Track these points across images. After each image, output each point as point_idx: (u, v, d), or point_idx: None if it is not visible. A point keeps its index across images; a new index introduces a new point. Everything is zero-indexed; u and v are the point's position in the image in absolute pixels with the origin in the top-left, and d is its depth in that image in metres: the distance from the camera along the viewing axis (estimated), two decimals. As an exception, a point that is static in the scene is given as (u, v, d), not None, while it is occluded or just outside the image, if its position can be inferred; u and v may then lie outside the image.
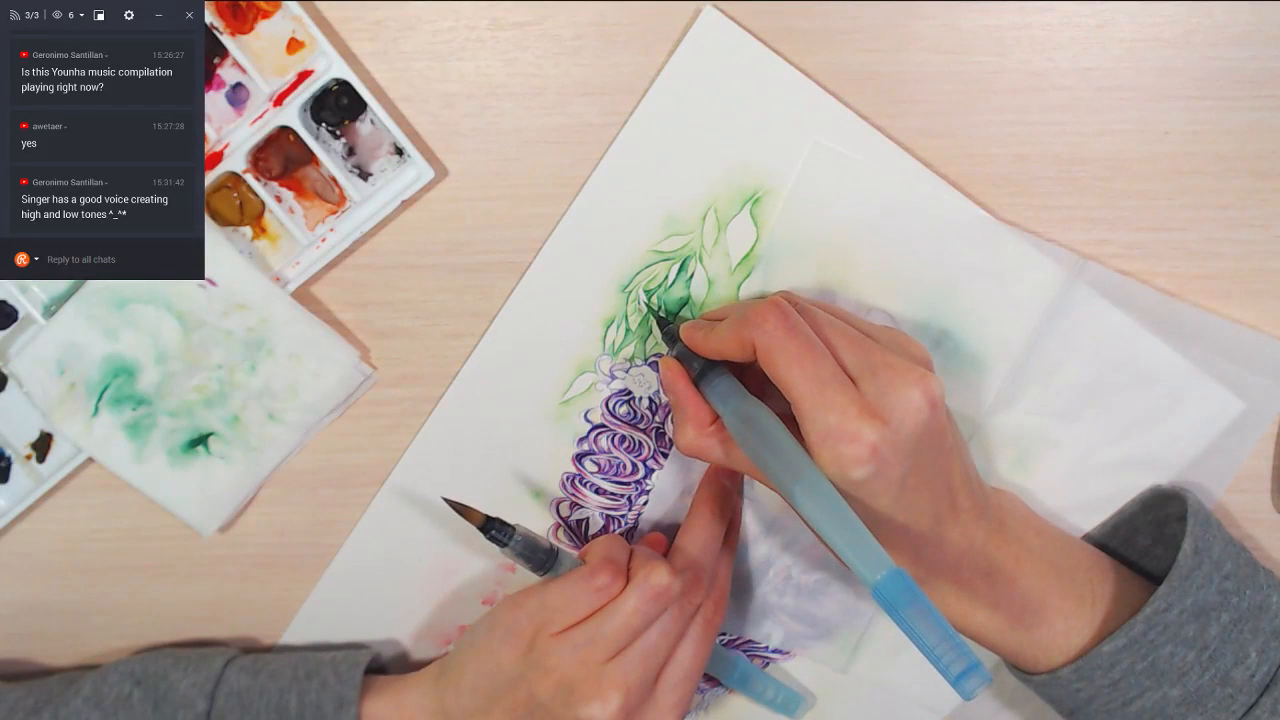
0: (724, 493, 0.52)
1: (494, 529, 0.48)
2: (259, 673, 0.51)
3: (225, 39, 0.49)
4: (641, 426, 0.54)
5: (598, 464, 0.54)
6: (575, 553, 0.51)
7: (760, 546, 0.55)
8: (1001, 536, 0.47)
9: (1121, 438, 0.52)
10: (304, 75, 0.49)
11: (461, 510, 0.48)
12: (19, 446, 0.53)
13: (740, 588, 0.55)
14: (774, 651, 0.57)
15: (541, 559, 0.49)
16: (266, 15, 0.49)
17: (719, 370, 0.48)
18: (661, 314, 0.52)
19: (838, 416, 0.41)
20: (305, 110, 0.50)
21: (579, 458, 0.54)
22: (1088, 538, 0.53)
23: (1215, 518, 0.49)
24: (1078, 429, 0.52)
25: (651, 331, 0.52)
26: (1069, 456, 0.53)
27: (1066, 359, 0.51)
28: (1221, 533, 0.49)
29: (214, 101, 0.50)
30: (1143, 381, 0.52)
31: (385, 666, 0.56)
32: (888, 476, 0.42)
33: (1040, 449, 0.53)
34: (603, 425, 0.54)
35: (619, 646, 0.47)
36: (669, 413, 0.53)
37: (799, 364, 0.43)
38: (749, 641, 0.56)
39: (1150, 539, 0.51)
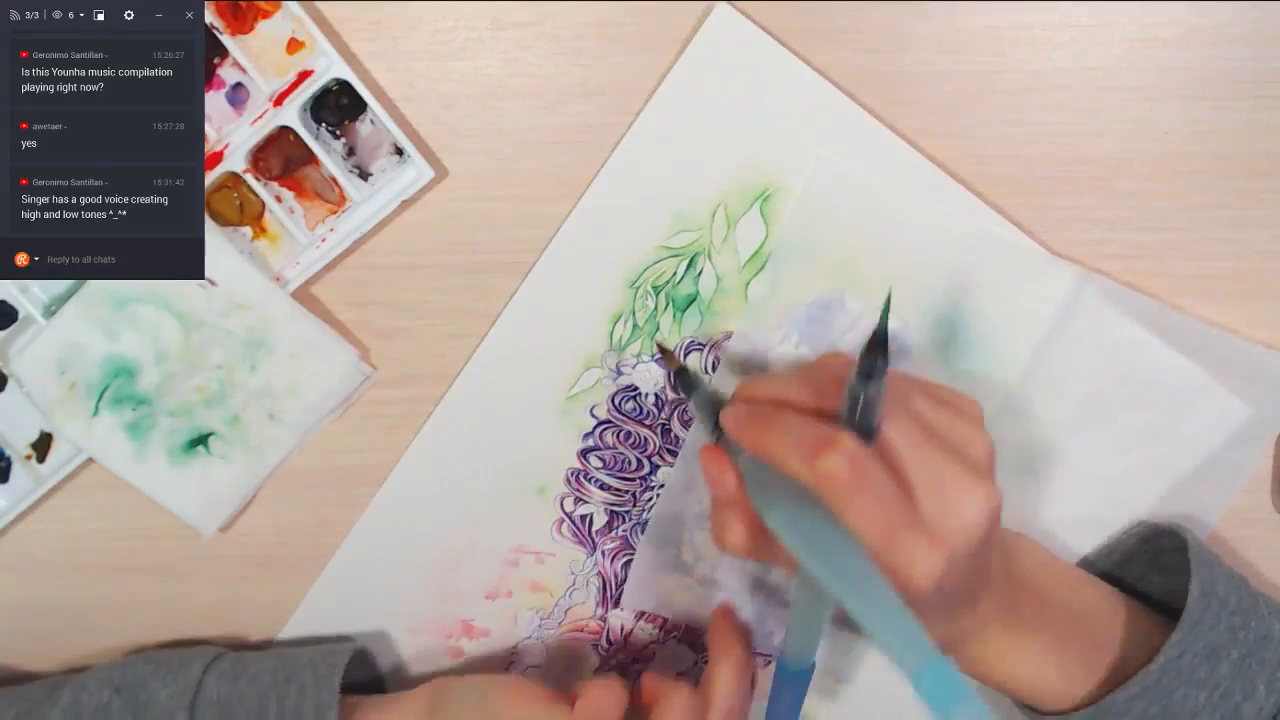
0: (744, 636, 0.50)
1: (683, 378, 0.49)
2: (238, 679, 0.50)
3: (225, 39, 0.49)
4: (648, 423, 0.54)
5: (603, 460, 0.54)
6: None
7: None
8: (1024, 590, 0.47)
9: (1127, 448, 0.52)
10: (304, 75, 0.49)
11: (665, 353, 0.51)
12: (19, 446, 0.53)
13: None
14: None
15: (712, 425, 0.46)
16: (266, 15, 0.49)
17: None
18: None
19: (906, 560, 0.40)
20: (305, 110, 0.50)
21: (584, 453, 0.54)
22: (1083, 563, 0.53)
23: (1212, 552, 0.49)
24: (1083, 440, 0.52)
25: (659, 328, 0.52)
26: (1075, 467, 0.52)
27: (1072, 370, 0.51)
28: (1222, 568, 0.48)
29: (214, 101, 0.50)
30: (1149, 392, 0.51)
31: (371, 659, 0.56)
32: (941, 591, 0.41)
33: (1046, 460, 0.52)
34: (609, 421, 0.54)
35: None
36: (675, 409, 0.53)
37: (868, 516, 0.40)
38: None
39: (1145, 566, 0.51)
